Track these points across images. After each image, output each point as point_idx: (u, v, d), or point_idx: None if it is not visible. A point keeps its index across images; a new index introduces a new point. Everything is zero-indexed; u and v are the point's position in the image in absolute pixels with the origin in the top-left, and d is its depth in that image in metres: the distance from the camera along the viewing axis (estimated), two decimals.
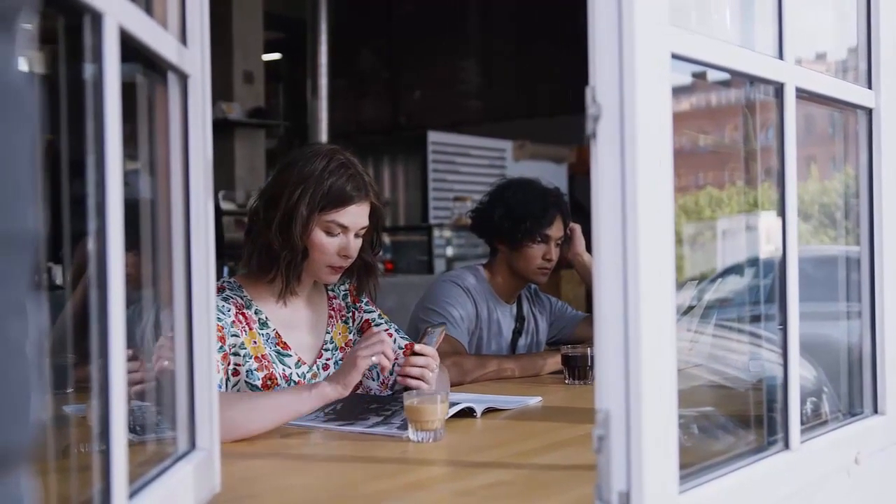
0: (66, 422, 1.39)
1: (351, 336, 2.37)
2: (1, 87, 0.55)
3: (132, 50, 1.11)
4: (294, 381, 2.20)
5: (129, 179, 1.10)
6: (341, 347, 2.35)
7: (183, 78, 1.34)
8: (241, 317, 2.16)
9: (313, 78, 8.60)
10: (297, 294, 2.27)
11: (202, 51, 1.39)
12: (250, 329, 2.17)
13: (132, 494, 1.09)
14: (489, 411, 2.17)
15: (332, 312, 2.37)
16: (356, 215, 2.20)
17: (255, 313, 2.21)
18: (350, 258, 2.23)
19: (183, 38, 1.35)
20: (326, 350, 2.32)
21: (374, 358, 1.97)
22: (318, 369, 2.28)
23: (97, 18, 0.99)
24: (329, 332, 2.34)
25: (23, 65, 0.59)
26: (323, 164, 2.18)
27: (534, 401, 2.34)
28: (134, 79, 1.27)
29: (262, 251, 2.20)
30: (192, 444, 1.37)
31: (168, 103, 1.34)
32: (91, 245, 1.01)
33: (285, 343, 2.22)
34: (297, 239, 2.15)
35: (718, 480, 1.34)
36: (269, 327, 2.21)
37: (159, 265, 1.38)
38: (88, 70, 1.02)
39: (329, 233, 2.18)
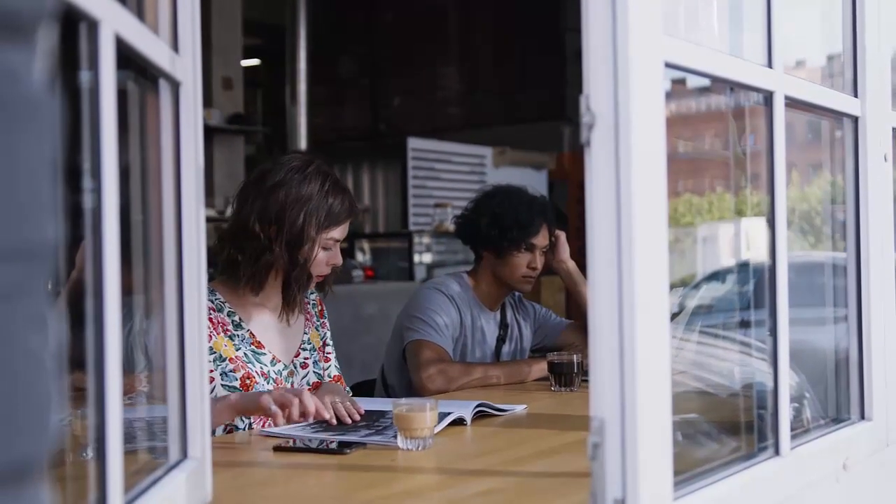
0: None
1: (321, 342, 2.49)
2: (22, 98, 0.55)
3: (124, 56, 1.11)
4: (272, 379, 2.28)
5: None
6: (319, 348, 2.45)
7: (175, 85, 1.34)
8: (209, 322, 2.20)
9: (292, 84, 8.58)
10: (299, 305, 2.37)
11: (193, 58, 1.38)
12: (218, 334, 2.23)
13: None
14: (479, 417, 2.17)
15: (308, 315, 2.46)
16: (346, 228, 2.34)
17: (228, 315, 2.28)
18: (337, 265, 2.34)
19: (175, 46, 1.34)
20: (305, 349, 2.41)
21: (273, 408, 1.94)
22: (295, 367, 2.37)
23: (93, 26, 0.99)
24: (307, 333, 2.43)
25: (43, 74, 0.58)
26: (318, 184, 2.27)
27: (520, 408, 2.34)
28: (125, 86, 1.27)
29: (264, 269, 2.26)
30: (184, 454, 1.36)
31: (159, 110, 1.33)
32: (87, 253, 1.00)
33: (259, 342, 2.30)
34: (310, 260, 2.26)
35: (711, 487, 1.34)
36: (243, 328, 2.28)
37: (149, 273, 1.37)
38: (84, 77, 1.01)
39: (325, 248, 2.30)
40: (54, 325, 0.59)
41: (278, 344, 2.34)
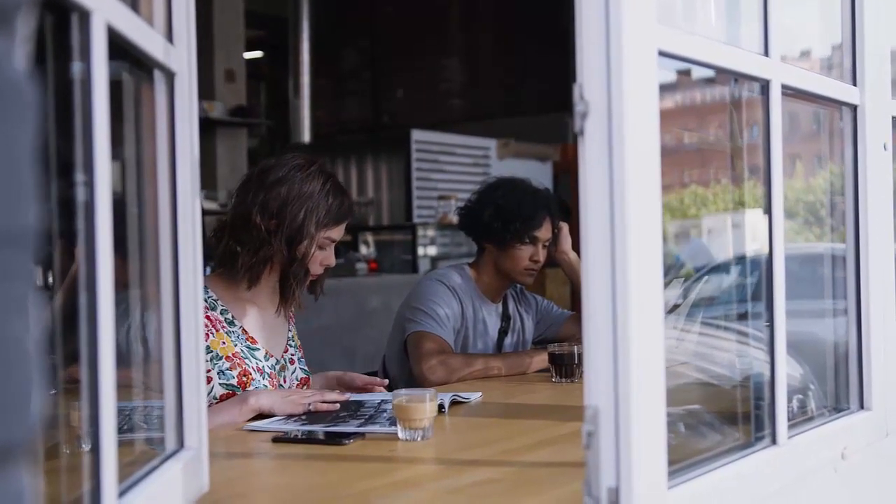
0: (52, 423, 1.39)
1: (299, 340, 2.54)
2: (2, 85, 0.55)
3: (118, 47, 1.11)
4: (267, 374, 2.31)
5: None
6: (299, 346, 2.50)
7: (170, 76, 1.34)
8: (205, 320, 2.22)
9: (295, 76, 8.59)
10: (297, 300, 2.41)
11: (188, 49, 1.38)
12: (217, 331, 2.26)
13: (121, 493, 1.09)
14: (478, 407, 2.19)
15: (291, 314, 2.50)
16: (343, 230, 2.38)
17: (221, 313, 2.30)
18: (330, 266, 2.39)
19: (169, 36, 1.34)
20: (291, 346, 2.46)
21: (310, 406, 2.12)
22: (285, 362, 2.41)
23: (85, 16, 0.99)
24: (291, 331, 2.48)
25: (22, 61, 0.58)
26: (320, 183, 2.31)
27: (474, 396, 2.37)
28: (119, 77, 1.27)
29: (262, 262, 2.28)
30: (181, 444, 1.36)
31: (154, 101, 1.33)
32: (79, 246, 1.01)
33: (253, 338, 2.33)
34: (308, 256, 2.29)
35: (707, 476, 1.34)
36: (236, 325, 2.31)
37: (145, 266, 1.37)
38: (75, 68, 1.01)
39: (321, 247, 2.33)
40: (37, 311, 0.59)
41: (268, 340, 2.38)
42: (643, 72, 1.19)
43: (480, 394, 2.40)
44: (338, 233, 2.35)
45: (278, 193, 2.26)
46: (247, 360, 2.27)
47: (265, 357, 2.33)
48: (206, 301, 2.26)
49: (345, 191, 2.38)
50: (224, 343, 2.25)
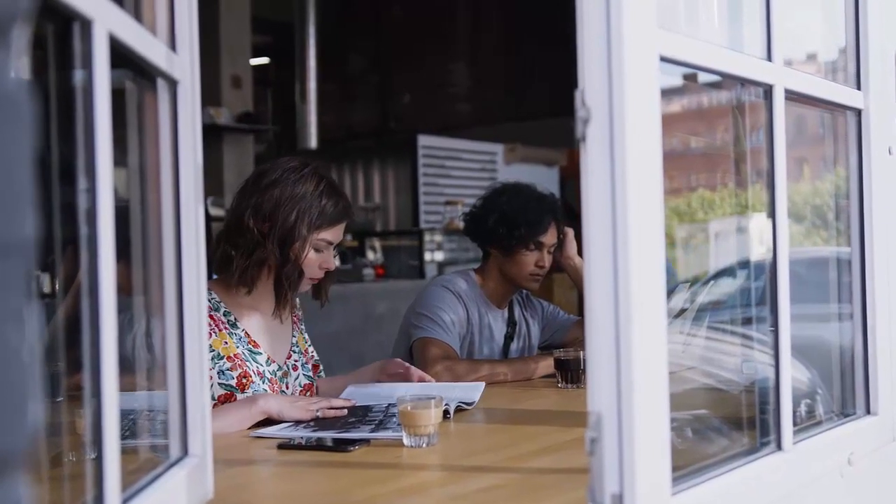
0: (57, 430, 1.39)
1: (307, 346, 2.52)
2: None
3: (121, 56, 1.11)
4: (267, 378, 2.32)
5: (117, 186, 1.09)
6: (304, 352, 2.49)
7: (172, 84, 1.34)
8: (208, 319, 2.21)
9: (302, 82, 8.58)
10: (290, 303, 2.40)
11: (191, 56, 1.39)
12: (220, 331, 2.27)
13: (125, 501, 1.09)
14: (458, 410, 2.22)
15: (295, 320, 2.50)
16: (341, 232, 2.36)
17: (224, 315, 2.31)
18: (329, 270, 2.37)
19: (172, 44, 1.34)
20: (294, 352, 2.45)
21: (318, 413, 2.13)
22: (288, 368, 2.41)
23: (87, 25, 0.99)
24: (295, 337, 2.47)
25: (19, 72, 0.59)
26: (313, 184, 2.30)
27: (478, 392, 2.37)
28: (122, 85, 1.27)
29: (256, 265, 2.28)
30: (185, 451, 1.36)
31: (157, 109, 1.34)
32: (82, 253, 1.01)
33: (255, 342, 2.33)
34: (300, 258, 2.28)
35: (711, 482, 1.34)
36: (239, 328, 2.32)
37: (149, 273, 1.37)
38: (77, 76, 1.02)
39: (317, 250, 2.32)
40: (34, 320, 0.59)
41: (271, 345, 2.37)
42: (645, 77, 1.19)
43: (483, 384, 2.42)
44: (333, 235, 2.33)
45: (271, 196, 2.27)
46: (248, 363, 2.27)
47: (267, 362, 2.33)
48: (209, 302, 2.26)
49: (340, 192, 2.36)
50: (226, 343, 2.26)
